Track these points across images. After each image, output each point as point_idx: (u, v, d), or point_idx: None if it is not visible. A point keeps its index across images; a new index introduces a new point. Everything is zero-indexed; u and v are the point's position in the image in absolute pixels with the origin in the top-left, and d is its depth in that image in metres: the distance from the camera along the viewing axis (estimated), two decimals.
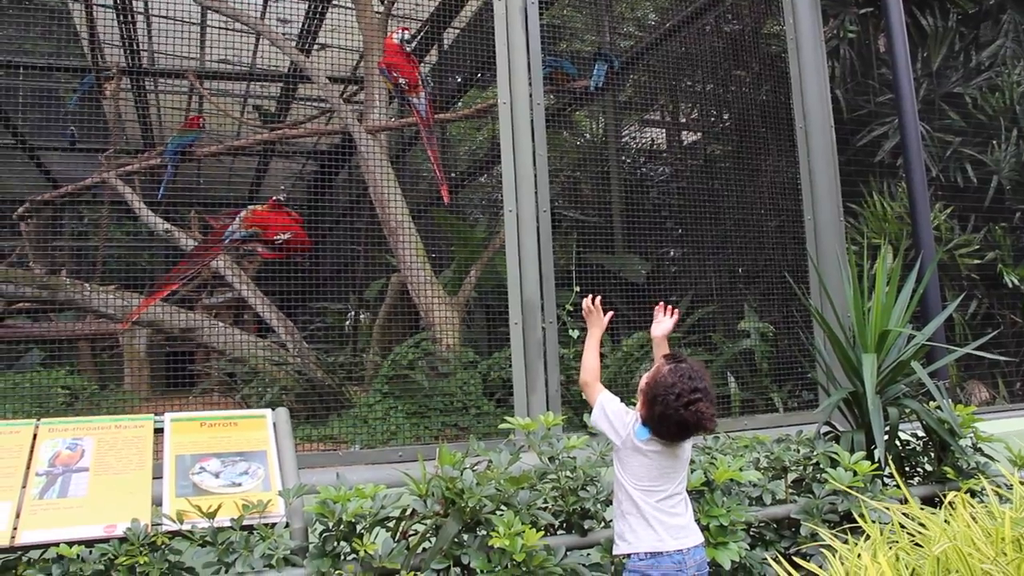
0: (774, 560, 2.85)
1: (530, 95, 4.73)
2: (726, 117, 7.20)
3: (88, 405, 5.72)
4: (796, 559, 2.95)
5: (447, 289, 5.85)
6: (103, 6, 7.57)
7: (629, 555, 2.72)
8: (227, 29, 7.79)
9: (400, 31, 5.54)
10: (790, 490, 3.60)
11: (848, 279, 4.18)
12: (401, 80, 5.39)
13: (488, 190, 7.87)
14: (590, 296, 3.07)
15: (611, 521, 3.18)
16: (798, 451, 3.72)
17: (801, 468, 3.68)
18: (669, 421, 2.68)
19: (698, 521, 3.05)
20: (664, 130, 7.96)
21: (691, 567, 2.70)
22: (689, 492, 3.14)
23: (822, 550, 2.87)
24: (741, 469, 3.30)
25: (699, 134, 7.82)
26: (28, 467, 2.90)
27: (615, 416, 2.79)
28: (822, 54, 5.78)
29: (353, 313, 6.95)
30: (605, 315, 3.17)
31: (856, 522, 3.11)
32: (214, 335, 5.68)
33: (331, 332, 7.12)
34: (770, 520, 3.41)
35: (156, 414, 3.20)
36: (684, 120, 7.89)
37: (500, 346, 5.43)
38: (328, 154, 9.27)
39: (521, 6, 4.82)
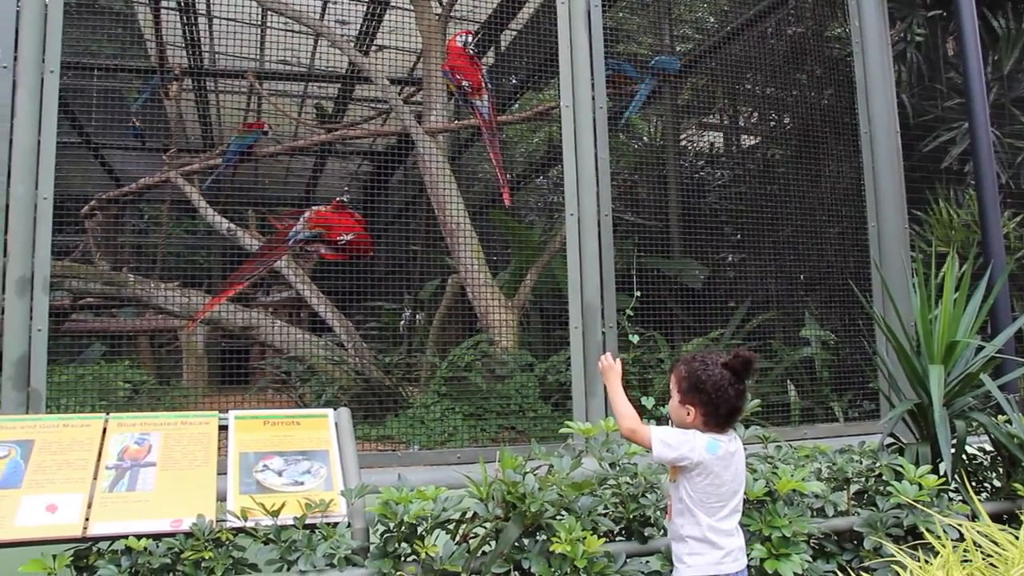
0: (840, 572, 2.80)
1: (593, 98, 4.71)
2: (787, 121, 7.09)
3: (149, 399, 5.84)
4: (862, 573, 2.88)
5: (503, 291, 5.84)
6: (168, 8, 7.73)
7: None
8: (287, 30, 7.91)
9: (463, 34, 5.55)
10: (852, 502, 3.52)
11: (915, 287, 4.08)
12: (464, 83, 5.41)
13: (544, 192, 7.86)
14: (607, 354, 3.00)
15: None
16: (860, 462, 3.64)
17: (864, 480, 3.60)
18: (723, 397, 2.62)
19: (759, 531, 3.01)
20: (723, 134, 7.88)
21: None
22: (750, 502, 3.10)
23: (893, 566, 2.80)
24: (804, 480, 3.24)
25: (759, 138, 7.72)
26: (98, 460, 2.97)
27: (678, 442, 2.64)
28: (888, 58, 5.67)
29: (409, 313, 6.99)
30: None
31: (921, 537, 3.04)
32: (273, 333, 5.76)
33: (385, 332, 7.17)
34: (832, 532, 3.34)
35: (220, 411, 3.25)
36: (744, 124, 7.80)
37: (556, 349, 5.42)
38: (384, 155, 9.36)
39: (584, 9, 4.80)
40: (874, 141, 5.50)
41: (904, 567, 2.59)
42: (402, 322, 7.21)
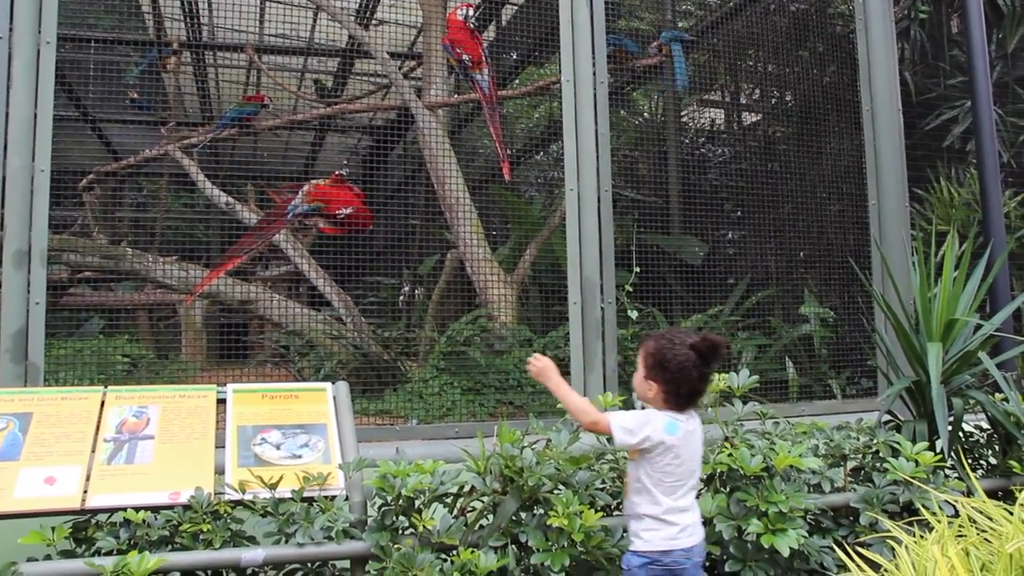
0: (836, 548, 2.81)
1: (593, 73, 4.67)
2: (789, 98, 7.05)
3: (147, 373, 5.84)
4: (858, 548, 2.89)
5: (503, 266, 5.83)
6: None
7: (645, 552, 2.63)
8: (286, 4, 7.84)
9: (463, 7, 5.50)
10: (849, 478, 3.54)
11: (915, 266, 4.08)
12: (464, 56, 5.36)
13: (544, 168, 7.83)
14: (535, 356, 2.90)
15: None
16: (858, 439, 3.66)
17: (860, 456, 3.62)
18: (685, 378, 2.61)
19: (756, 507, 3.02)
20: (724, 111, 7.84)
21: (697, 556, 2.64)
22: (749, 477, 3.11)
23: (889, 541, 2.81)
24: (801, 456, 3.24)
25: (760, 115, 7.68)
26: (96, 433, 2.97)
27: (638, 425, 2.61)
28: (892, 35, 5.63)
29: (408, 288, 6.98)
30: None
31: (917, 514, 3.05)
32: (271, 307, 5.75)
33: (384, 307, 7.16)
34: (828, 508, 3.36)
35: (219, 385, 3.25)
36: (745, 101, 7.75)
37: (555, 325, 5.42)
38: (383, 129, 9.32)
39: None
40: (876, 119, 5.47)
41: (899, 542, 2.60)
42: (401, 297, 7.20)
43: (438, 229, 6.60)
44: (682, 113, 7.34)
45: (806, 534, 3.07)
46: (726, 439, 3.36)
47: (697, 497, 2.82)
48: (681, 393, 2.64)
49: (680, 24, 7.26)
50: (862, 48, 5.60)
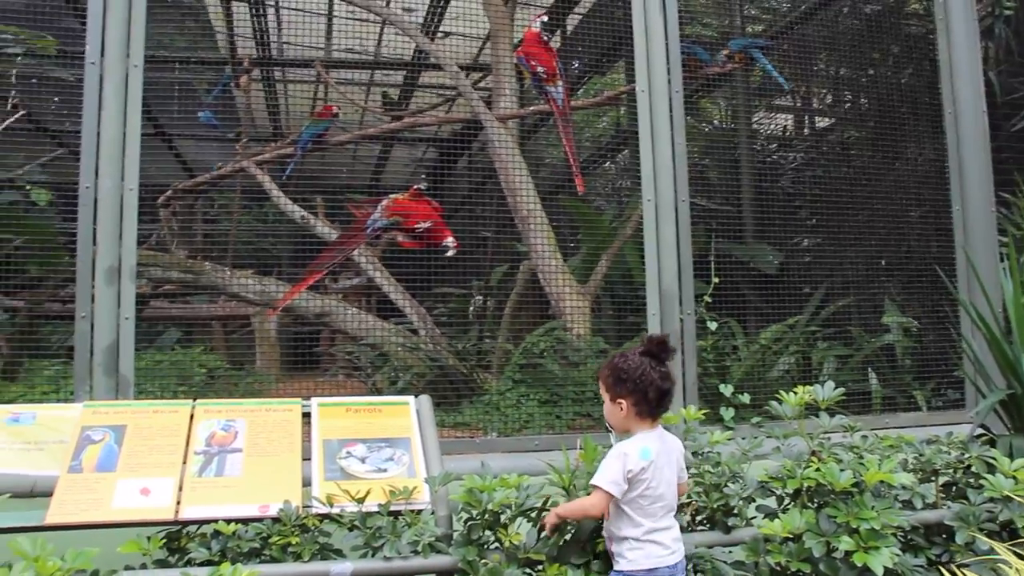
0: (931, 568, 2.71)
1: (668, 82, 4.63)
2: (865, 102, 6.89)
3: (226, 384, 5.96)
4: (954, 568, 2.80)
5: (574, 276, 5.81)
6: (238, 1, 7.84)
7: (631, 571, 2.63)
8: (352, 19, 7.96)
9: (537, 20, 5.52)
10: (940, 495, 3.43)
11: (1006, 272, 3.94)
12: (539, 69, 5.37)
13: (611, 177, 7.79)
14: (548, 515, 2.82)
15: (753, 519, 3.11)
16: (949, 453, 3.54)
17: (952, 472, 3.50)
18: (648, 380, 2.64)
19: (846, 523, 2.94)
20: (797, 116, 7.70)
21: (680, 573, 2.65)
22: (838, 493, 3.03)
23: (999, 564, 2.70)
24: (891, 471, 3.15)
25: (834, 119, 7.53)
26: (187, 445, 3.04)
27: (618, 469, 2.60)
28: (975, 34, 5.46)
29: (480, 299, 7.00)
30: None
31: (1017, 534, 2.93)
32: (346, 320, 5.82)
33: (454, 318, 7.19)
34: (919, 525, 3.26)
35: (293, 397, 3.30)
36: (819, 105, 7.61)
37: (628, 336, 5.37)
38: (449, 141, 9.39)
39: None
40: (959, 122, 5.31)
41: (1008, 564, 2.49)
42: (471, 308, 7.22)
43: (509, 240, 6.61)
44: (755, 119, 7.23)
45: (899, 552, 2.98)
46: (812, 453, 3.28)
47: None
48: (650, 398, 2.66)
49: (748, 29, 7.17)
50: (943, 48, 5.45)
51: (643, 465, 2.61)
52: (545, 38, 5.45)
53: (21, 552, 2.50)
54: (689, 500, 3.06)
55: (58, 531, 2.72)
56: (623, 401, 2.69)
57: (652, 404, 2.68)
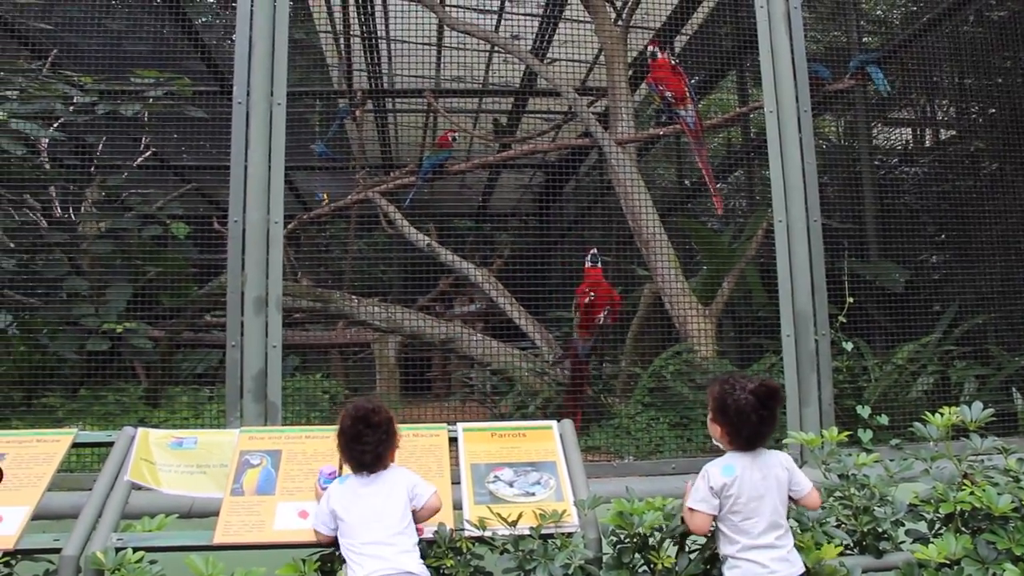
0: None
1: (796, 101, 4.59)
2: (992, 111, 6.66)
3: None
4: None
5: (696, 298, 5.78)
6: (351, 35, 8.13)
7: None
8: (460, 47, 8.14)
9: (654, 46, 5.57)
10: None
11: None
12: (667, 93, 5.40)
13: (727, 197, 7.71)
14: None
15: (902, 543, 3.03)
16: None
17: None
18: (744, 422, 2.69)
19: (1008, 550, 2.85)
20: (920, 129, 7.48)
21: None
22: (995, 517, 2.93)
23: None
24: None
25: (959, 132, 7.28)
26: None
27: (705, 490, 2.69)
28: None
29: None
30: None
31: None
32: (471, 345, 5.92)
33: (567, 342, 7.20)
34: None
35: (420, 422, 3.39)
36: (943, 117, 7.38)
37: (752, 357, 5.31)
38: (556, 165, 9.48)
39: (784, 11, 4.68)
40: None
41: None
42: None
43: (629, 263, 6.61)
44: (876, 135, 7.07)
45: None
46: (964, 476, 3.18)
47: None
48: (742, 435, 2.73)
49: (865, 40, 7.03)
50: None
51: (725, 481, 2.67)
52: (674, 63, 5.48)
53: (197, 570, 2.66)
54: (838, 523, 3.01)
55: (217, 550, 2.84)
56: (718, 427, 2.78)
57: (743, 440, 2.74)
